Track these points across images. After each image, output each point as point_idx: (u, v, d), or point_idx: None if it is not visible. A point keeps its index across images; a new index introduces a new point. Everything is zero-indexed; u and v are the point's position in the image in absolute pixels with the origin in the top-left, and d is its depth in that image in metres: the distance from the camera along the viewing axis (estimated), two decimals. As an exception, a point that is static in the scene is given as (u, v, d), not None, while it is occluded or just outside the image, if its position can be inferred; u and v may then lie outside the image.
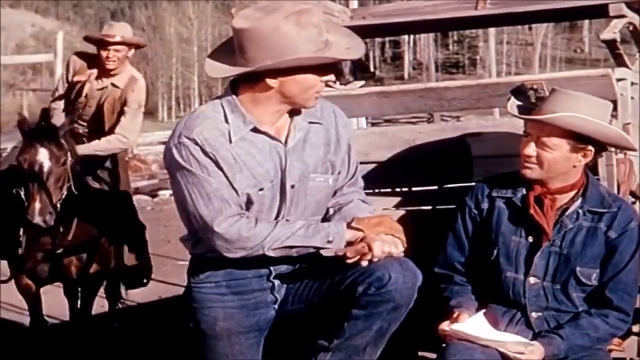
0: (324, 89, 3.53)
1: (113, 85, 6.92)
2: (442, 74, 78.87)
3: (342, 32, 3.59)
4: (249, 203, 3.51)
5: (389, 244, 3.45)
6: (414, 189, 4.89)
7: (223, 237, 3.44)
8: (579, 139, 3.70)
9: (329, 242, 3.44)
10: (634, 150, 4.02)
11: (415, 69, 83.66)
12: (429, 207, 4.82)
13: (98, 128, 6.93)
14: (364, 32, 5.70)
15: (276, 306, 3.68)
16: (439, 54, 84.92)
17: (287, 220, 3.52)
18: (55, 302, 7.17)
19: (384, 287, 3.42)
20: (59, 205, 5.81)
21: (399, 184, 4.78)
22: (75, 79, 6.97)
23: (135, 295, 7.91)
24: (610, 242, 3.77)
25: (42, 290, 6.49)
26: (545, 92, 4.17)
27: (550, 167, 3.74)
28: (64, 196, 5.87)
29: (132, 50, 7.00)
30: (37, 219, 5.66)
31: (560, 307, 3.80)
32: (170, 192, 25.49)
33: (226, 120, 3.47)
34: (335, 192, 3.71)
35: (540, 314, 3.80)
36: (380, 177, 4.52)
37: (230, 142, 3.45)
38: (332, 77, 3.51)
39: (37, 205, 5.68)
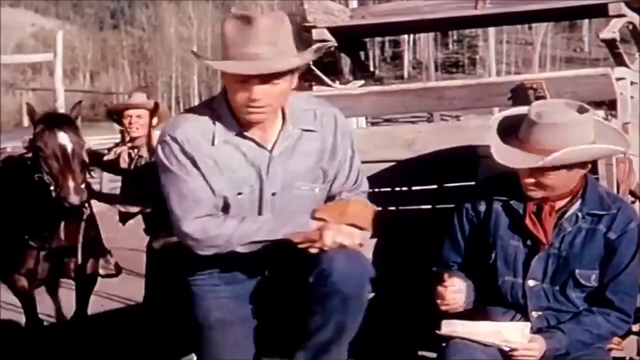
0: (259, 107, 3.40)
1: (140, 156, 6.60)
2: (442, 73, 78.88)
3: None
4: (226, 206, 3.53)
5: (344, 234, 3.42)
6: (413, 188, 4.89)
7: (191, 237, 3.50)
8: (575, 164, 3.69)
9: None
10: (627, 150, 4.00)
11: (415, 69, 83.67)
12: (429, 207, 4.81)
13: None
14: (364, 31, 5.73)
15: (266, 296, 3.67)
16: (438, 53, 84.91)
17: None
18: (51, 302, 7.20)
19: (327, 278, 3.38)
20: (84, 187, 5.84)
21: (400, 184, 4.78)
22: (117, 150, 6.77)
23: (135, 295, 7.90)
24: (610, 243, 3.76)
25: (38, 290, 6.50)
26: (544, 92, 4.18)
27: (553, 188, 3.73)
28: (85, 178, 5.94)
29: (155, 119, 6.64)
30: (73, 198, 5.67)
31: (561, 308, 3.79)
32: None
33: (214, 122, 3.47)
34: (333, 197, 3.68)
35: (540, 313, 3.79)
36: (379, 177, 4.52)
37: (213, 144, 3.46)
38: (253, 95, 3.37)
39: (71, 184, 5.70)
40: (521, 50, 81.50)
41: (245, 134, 3.47)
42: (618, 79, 4.36)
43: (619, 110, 4.32)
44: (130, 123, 6.55)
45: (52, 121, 5.98)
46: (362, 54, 6.03)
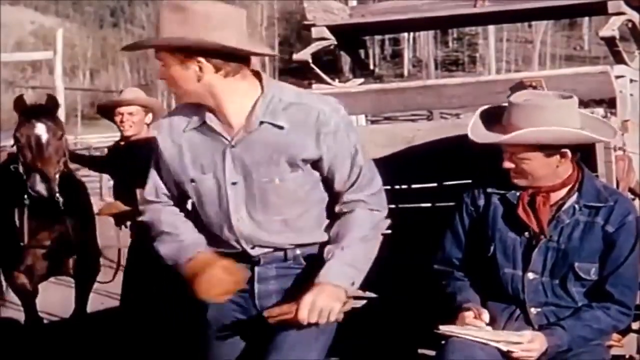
0: (170, 87, 3.47)
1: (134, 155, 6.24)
2: (442, 71, 78.91)
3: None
4: (186, 193, 3.56)
5: (320, 311, 3.30)
6: (413, 186, 4.90)
7: (145, 221, 3.62)
8: (547, 147, 3.71)
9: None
10: (606, 141, 4.00)
11: (415, 67, 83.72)
12: (429, 205, 4.83)
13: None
14: (363, 29, 5.74)
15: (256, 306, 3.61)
16: (438, 51, 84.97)
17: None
18: (52, 299, 7.20)
19: None
20: (57, 177, 5.86)
21: (399, 182, 4.79)
22: None
23: None
24: (608, 236, 3.78)
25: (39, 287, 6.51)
26: (544, 90, 4.19)
27: (532, 175, 3.77)
28: (61, 169, 5.94)
29: (150, 116, 6.45)
30: (40, 187, 5.69)
31: (560, 303, 3.81)
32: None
33: (196, 110, 3.47)
34: (338, 198, 3.54)
35: (539, 309, 3.81)
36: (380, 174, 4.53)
37: (184, 130, 3.49)
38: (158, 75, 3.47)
39: (38, 174, 5.73)
40: (521, 48, 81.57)
41: (210, 123, 3.44)
42: (617, 77, 4.38)
43: (619, 107, 4.35)
44: (122, 121, 6.37)
45: (30, 112, 6.02)
46: (361, 52, 6.04)
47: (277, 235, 3.49)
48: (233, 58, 3.35)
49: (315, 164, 3.44)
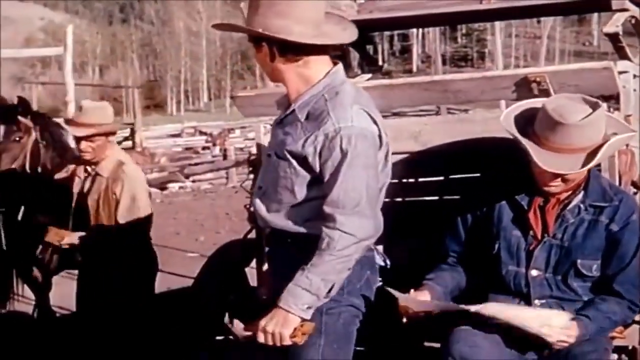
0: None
1: (97, 174, 5.90)
2: (451, 67, 78.88)
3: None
4: None
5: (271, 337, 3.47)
6: (420, 180, 4.94)
7: None
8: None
9: None
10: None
11: (423, 62, 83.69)
12: (436, 198, 4.87)
13: (82, 220, 5.96)
14: (371, 26, 5.78)
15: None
16: (447, 47, 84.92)
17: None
18: (65, 293, 7.24)
19: None
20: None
21: (406, 176, 4.83)
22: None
23: None
24: (613, 235, 3.84)
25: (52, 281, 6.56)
26: (548, 85, 4.25)
27: (574, 182, 3.81)
28: (14, 169, 6.00)
29: (114, 136, 6.00)
30: None
31: (563, 296, 3.87)
32: (179, 184, 25.53)
33: None
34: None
35: (543, 301, 3.87)
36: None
37: None
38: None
39: None
40: (530, 43, 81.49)
41: (282, 101, 3.73)
42: (621, 73, 4.41)
43: (622, 102, 4.39)
44: (80, 151, 5.84)
45: None
46: (370, 47, 6.08)
47: (274, 215, 3.64)
48: (294, 46, 3.50)
49: (302, 163, 3.52)
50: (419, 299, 3.82)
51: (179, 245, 12.87)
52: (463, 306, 3.73)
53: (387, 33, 67.31)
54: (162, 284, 8.50)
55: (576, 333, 3.72)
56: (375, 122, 3.54)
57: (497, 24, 53.89)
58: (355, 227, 3.42)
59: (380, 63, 6.63)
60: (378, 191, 3.55)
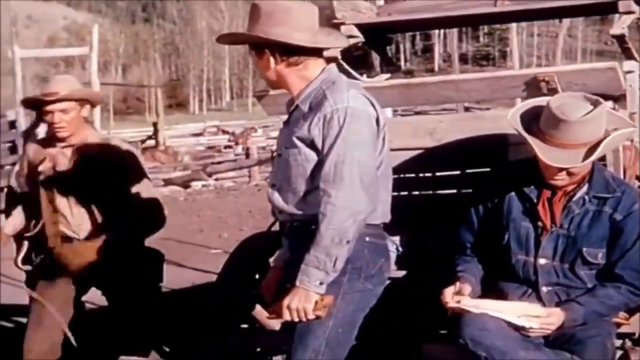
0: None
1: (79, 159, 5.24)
2: (473, 66, 78.61)
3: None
4: None
5: (296, 313, 3.75)
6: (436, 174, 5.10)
7: None
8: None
9: None
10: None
11: (445, 61, 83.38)
12: (452, 191, 4.99)
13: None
14: (389, 27, 5.95)
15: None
16: (469, 46, 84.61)
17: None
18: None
19: None
20: None
21: (422, 171, 5.01)
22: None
23: (169, 282, 8.06)
24: (616, 224, 4.03)
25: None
26: (556, 84, 4.43)
27: (579, 175, 4.01)
28: None
29: (87, 108, 5.29)
30: None
31: (570, 284, 4.06)
32: (202, 182, 25.50)
33: None
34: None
35: (550, 288, 4.06)
36: (403, 164, 4.76)
37: None
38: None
39: None
40: (552, 43, 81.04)
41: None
42: (627, 72, 4.59)
43: (628, 101, 4.57)
44: (52, 122, 5.18)
45: None
46: (392, 47, 6.21)
47: (291, 204, 3.88)
48: (294, 50, 3.81)
49: (311, 147, 3.78)
50: None
51: (203, 242, 12.99)
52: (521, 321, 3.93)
53: (409, 33, 67.06)
54: (186, 279, 8.73)
55: (558, 320, 3.94)
56: (372, 105, 3.81)
57: (514, 24, 53.49)
58: (348, 200, 3.63)
59: (401, 62, 6.76)
60: (373, 169, 3.76)
